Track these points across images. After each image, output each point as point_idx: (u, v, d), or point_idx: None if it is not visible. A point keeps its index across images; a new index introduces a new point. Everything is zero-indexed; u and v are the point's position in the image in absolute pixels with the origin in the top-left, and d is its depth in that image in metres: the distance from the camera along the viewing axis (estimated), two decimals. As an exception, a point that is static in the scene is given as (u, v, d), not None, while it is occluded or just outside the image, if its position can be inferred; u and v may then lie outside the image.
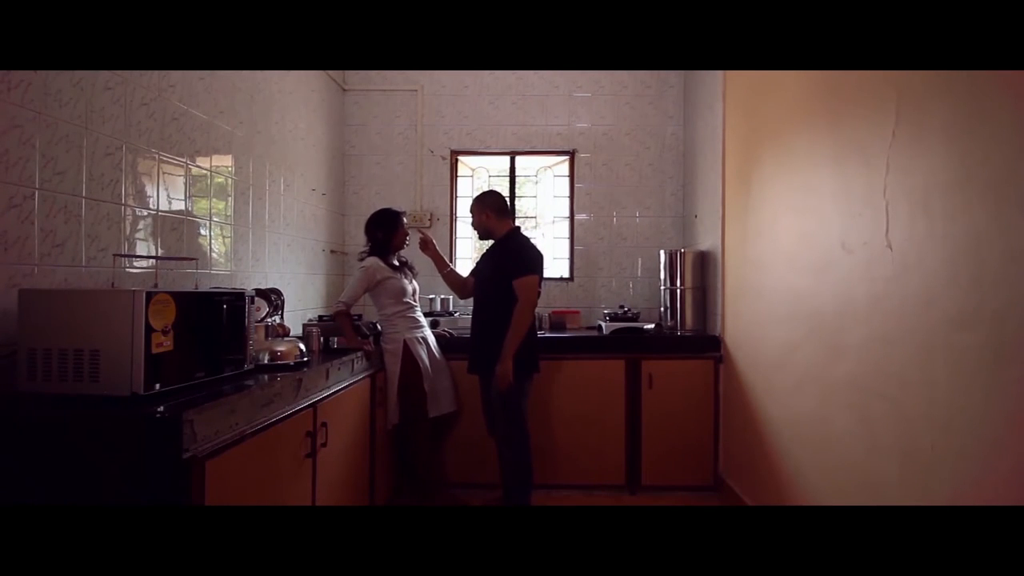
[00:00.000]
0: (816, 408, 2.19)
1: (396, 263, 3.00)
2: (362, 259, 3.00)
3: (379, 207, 4.15)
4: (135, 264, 2.05)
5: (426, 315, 3.31)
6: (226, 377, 1.77)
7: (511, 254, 2.83)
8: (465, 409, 3.26)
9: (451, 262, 4.30)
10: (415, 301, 3.06)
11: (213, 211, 2.56)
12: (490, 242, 3.05)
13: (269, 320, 2.37)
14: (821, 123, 2.15)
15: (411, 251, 3.25)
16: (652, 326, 3.55)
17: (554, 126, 4.23)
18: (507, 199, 3.01)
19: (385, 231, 2.99)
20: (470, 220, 3.05)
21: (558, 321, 3.88)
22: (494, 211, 2.93)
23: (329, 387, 2.29)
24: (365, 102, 4.25)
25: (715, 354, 3.28)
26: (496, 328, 2.77)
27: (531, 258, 2.83)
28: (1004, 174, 1.31)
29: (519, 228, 3.01)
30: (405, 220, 3.11)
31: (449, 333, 3.40)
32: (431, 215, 4.23)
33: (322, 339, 2.69)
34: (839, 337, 2.01)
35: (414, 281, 3.09)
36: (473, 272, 3.11)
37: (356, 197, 4.26)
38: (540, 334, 3.29)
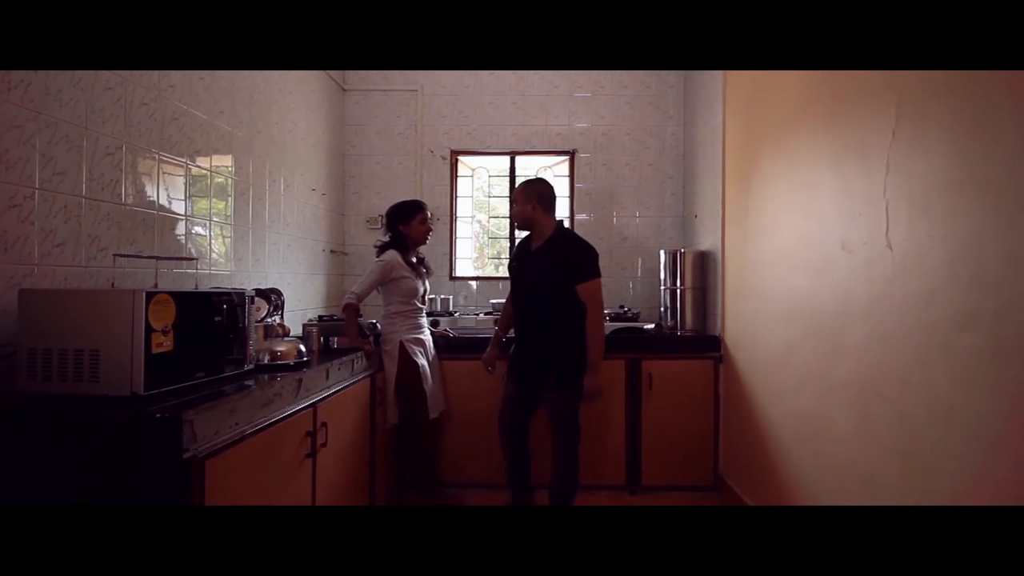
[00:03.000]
0: (816, 408, 2.19)
1: (414, 260, 2.95)
2: (379, 248, 2.95)
3: (379, 207, 4.21)
4: (135, 264, 2.05)
5: (427, 315, 3.31)
6: (226, 377, 1.77)
7: (575, 255, 2.55)
8: (464, 409, 3.27)
9: (452, 263, 4.31)
10: (423, 303, 3.02)
11: (213, 211, 2.56)
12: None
13: (269, 320, 2.37)
14: (821, 123, 2.15)
15: (426, 248, 3.19)
16: (652, 326, 3.55)
17: (554, 126, 4.23)
18: (554, 190, 2.71)
19: (405, 224, 2.93)
20: (511, 208, 2.90)
21: (558, 321, 3.87)
22: (543, 203, 2.63)
23: (329, 387, 2.29)
24: (365, 102, 4.25)
25: (715, 354, 3.28)
26: (569, 338, 2.54)
27: (595, 259, 2.59)
28: (1004, 174, 1.31)
29: (563, 222, 2.73)
30: (429, 214, 3.04)
31: (450, 333, 3.40)
32: (431, 215, 4.22)
33: (322, 339, 2.69)
34: (839, 337, 2.01)
35: (427, 281, 3.06)
36: (514, 271, 2.78)
37: (356, 197, 4.26)
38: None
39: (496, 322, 3.16)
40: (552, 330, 2.57)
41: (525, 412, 2.77)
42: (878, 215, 1.76)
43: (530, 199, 2.63)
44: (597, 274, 2.56)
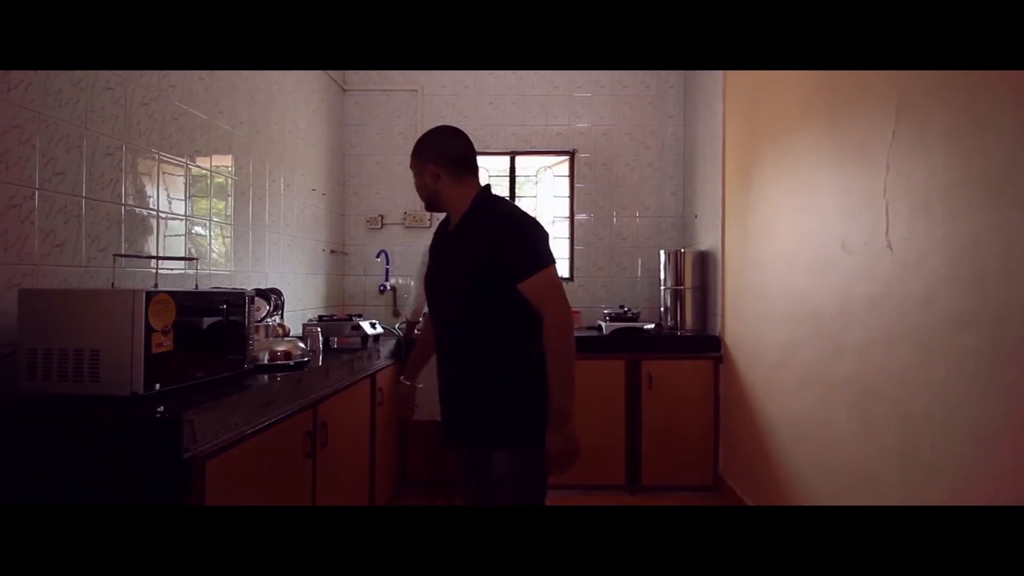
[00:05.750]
0: (816, 408, 2.19)
1: None
2: None
3: (379, 207, 4.22)
4: (135, 264, 2.05)
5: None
6: (226, 377, 1.77)
7: (503, 237, 1.55)
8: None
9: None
10: None
11: (213, 211, 2.56)
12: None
13: (269, 320, 2.37)
14: (821, 123, 2.15)
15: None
16: (652, 326, 3.55)
17: (554, 126, 4.23)
18: (470, 143, 1.71)
19: None
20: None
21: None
22: (446, 164, 1.64)
23: (329, 387, 2.29)
24: (365, 102, 4.25)
25: (715, 354, 3.28)
26: (495, 369, 1.58)
27: (538, 239, 1.59)
28: (1004, 174, 1.31)
29: (490, 188, 1.71)
30: None
31: None
32: (431, 215, 4.23)
33: (322, 339, 2.69)
34: (839, 337, 2.01)
35: None
36: (428, 269, 1.79)
37: (356, 197, 4.26)
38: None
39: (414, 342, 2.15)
40: (477, 359, 1.60)
41: (480, 485, 1.72)
42: (878, 215, 1.76)
43: (425, 162, 1.64)
44: (547, 261, 1.55)
